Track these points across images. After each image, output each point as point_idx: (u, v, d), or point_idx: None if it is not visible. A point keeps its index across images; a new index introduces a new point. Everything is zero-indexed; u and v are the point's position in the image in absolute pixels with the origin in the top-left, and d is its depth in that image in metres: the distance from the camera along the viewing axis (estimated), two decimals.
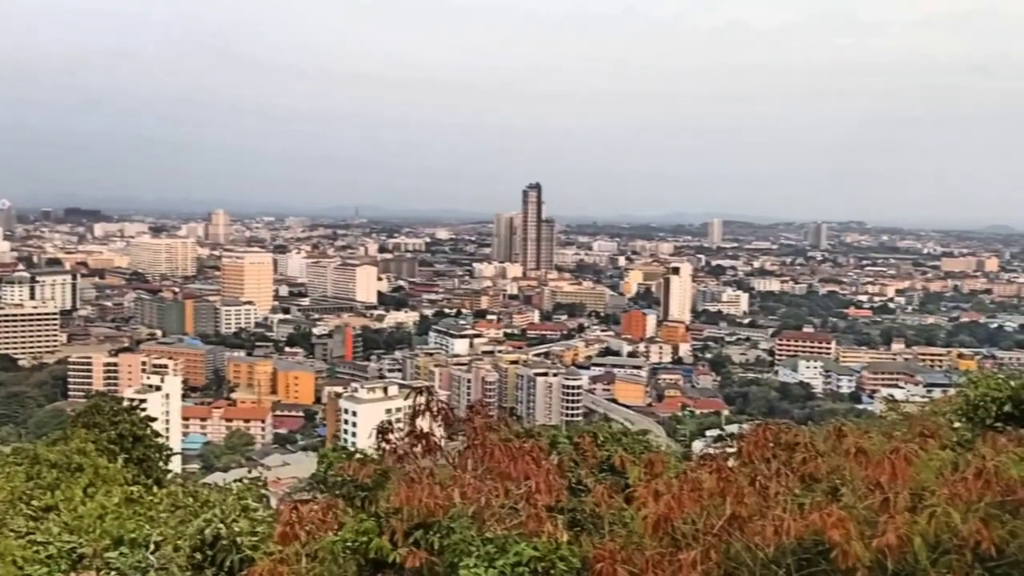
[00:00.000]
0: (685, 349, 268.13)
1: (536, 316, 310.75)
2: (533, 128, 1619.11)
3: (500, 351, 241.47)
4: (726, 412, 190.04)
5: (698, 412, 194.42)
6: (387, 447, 9.63)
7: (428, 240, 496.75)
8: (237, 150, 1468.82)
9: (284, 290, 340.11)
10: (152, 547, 13.65)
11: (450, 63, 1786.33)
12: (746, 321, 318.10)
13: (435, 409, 9.48)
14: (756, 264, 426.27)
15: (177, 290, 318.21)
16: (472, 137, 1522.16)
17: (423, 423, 9.53)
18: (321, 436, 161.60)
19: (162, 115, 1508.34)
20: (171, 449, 31.21)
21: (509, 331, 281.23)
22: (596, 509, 10.02)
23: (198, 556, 12.62)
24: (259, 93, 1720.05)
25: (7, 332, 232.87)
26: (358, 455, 12.40)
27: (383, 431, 9.65)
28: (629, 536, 8.99)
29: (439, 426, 9.57)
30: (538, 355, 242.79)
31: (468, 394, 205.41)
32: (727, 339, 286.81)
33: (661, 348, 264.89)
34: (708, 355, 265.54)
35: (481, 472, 8.56)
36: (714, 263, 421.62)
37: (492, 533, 8.25)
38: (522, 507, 8.31)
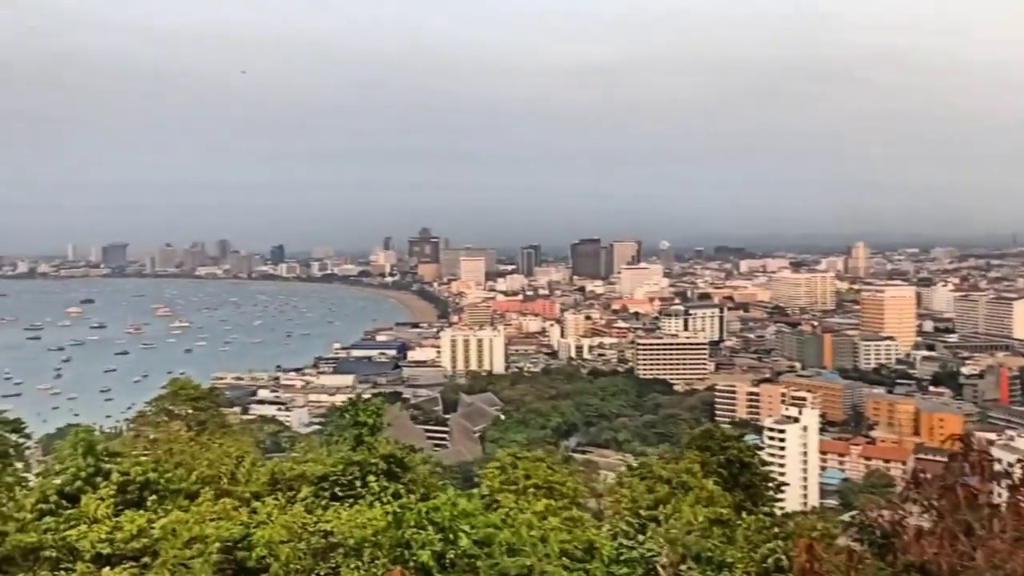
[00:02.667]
0: None
1: None
2: None
3: None
4: None
5: None
6: (917, 497, 8.94)
7: None
8: (874, 184, 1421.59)
9: (928, 325, 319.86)
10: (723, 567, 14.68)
11: None
12: None
13: (973, 460, 8.53)
14: None
15: (816, 324, 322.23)
16: None
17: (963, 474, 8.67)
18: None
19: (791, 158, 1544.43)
20: (775, 479, 32.15)
21: None
22: None
23: None
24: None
25: (665, 359, 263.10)
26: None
27: (916, 480, 8.98)
28: None
29: (979, 478, 8.59)
30: None
31: None
32: None
33: None
34: None
35: (1013, 534, 7.45)
36: None
37: None
38: None
